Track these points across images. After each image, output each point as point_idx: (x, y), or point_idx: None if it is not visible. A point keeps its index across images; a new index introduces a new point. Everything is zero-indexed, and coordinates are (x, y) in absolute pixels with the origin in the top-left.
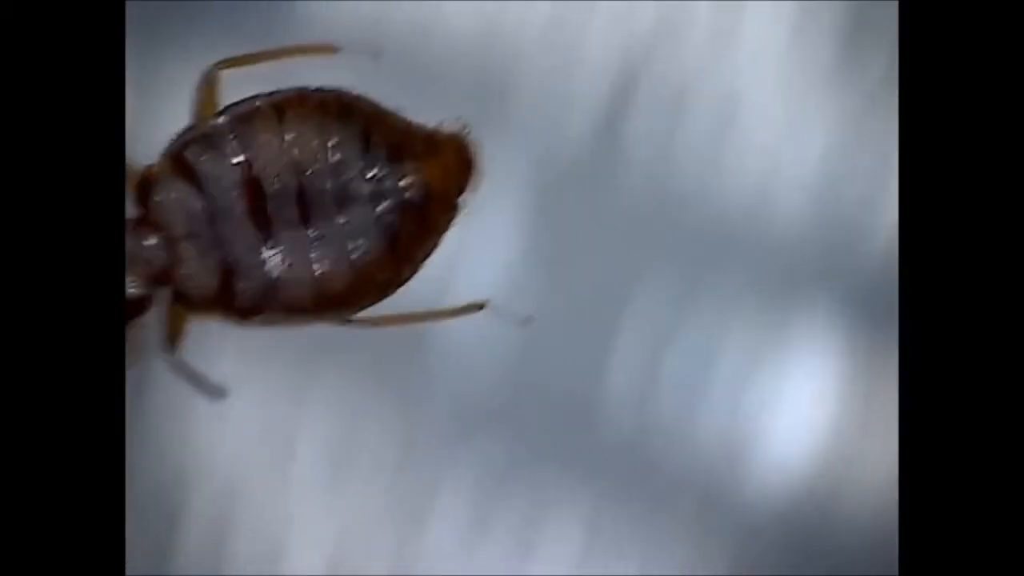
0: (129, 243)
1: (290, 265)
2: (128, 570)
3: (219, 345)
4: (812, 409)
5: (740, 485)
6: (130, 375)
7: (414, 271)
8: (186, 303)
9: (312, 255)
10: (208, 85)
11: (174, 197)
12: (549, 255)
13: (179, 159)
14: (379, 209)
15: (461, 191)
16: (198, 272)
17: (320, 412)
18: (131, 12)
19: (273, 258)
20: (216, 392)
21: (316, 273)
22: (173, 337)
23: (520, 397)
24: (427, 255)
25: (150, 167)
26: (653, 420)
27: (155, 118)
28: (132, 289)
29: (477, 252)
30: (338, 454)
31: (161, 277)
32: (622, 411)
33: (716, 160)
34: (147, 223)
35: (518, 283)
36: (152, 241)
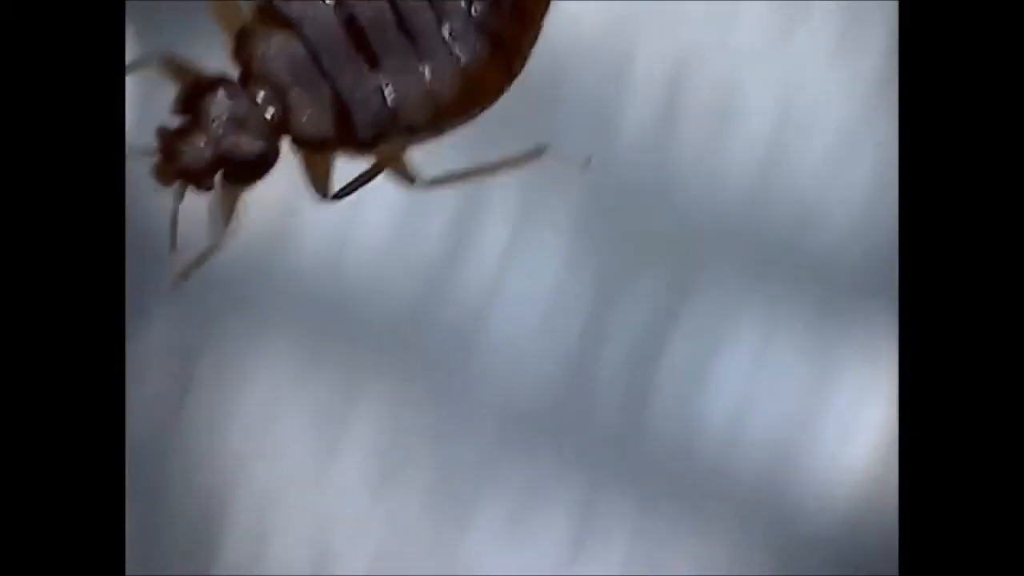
0: (239, 103)
1: (402, 86)
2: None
3: (270, 350)
4: (861, 412)
5: (794, 490)
6: (171, 380)
7: (523, 64)
8: (308, 148)
9: (421, 71)
10: None
11: (274, 47)
12: (598, 262)
13: (270, 10)
14: (476, 11)
15: None
16: (314, 114)
17: (364, 415)
18: (131, 12)
19: (384, 83)
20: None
21: (428, 87)
22: (319, 186)
23: (567, 401)
24: (531, 45)
25: (243, 26)
26: (701, 426)
27: (155, 116)
28: (254, 147)
29: (524, 259)
30: (381, 458)
31: (278, 129)
32: (669, 417)
33: (767, 169)
34: (252, 80)
35: (566, 290)
36: (262, 95)
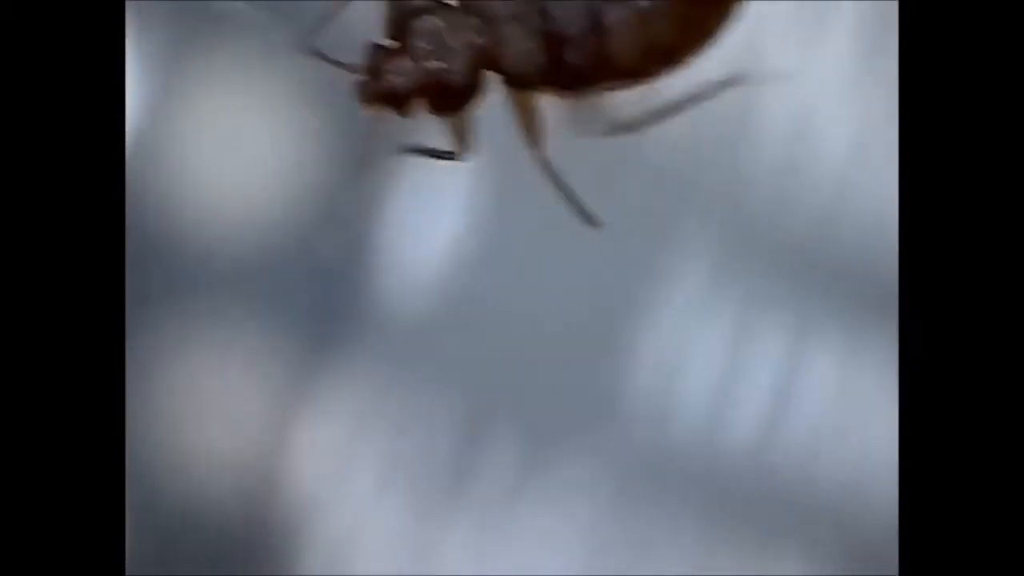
0: (449, 31)
1: (622, 16)
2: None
3: (272, 350)
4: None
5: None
6: (171, 378)
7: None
8: (514, 83)
9: (637, 7)
10: None
11: None
12: (624, 266)
13: None
14: None
15: None
16: (523, 48)
17: (387, 425)
18: (131, 12)
19: (600, 20)
20: (591, 220)
21: (649, 18)
22: (530, 129)
23: (606, 415)
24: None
25: None
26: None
27: (155, 118)
28: (459, 76)
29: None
30: (406, 467)
31: (486, 60)
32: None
33: (787, 182)
34: (466, 8)
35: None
36: (474, 24)
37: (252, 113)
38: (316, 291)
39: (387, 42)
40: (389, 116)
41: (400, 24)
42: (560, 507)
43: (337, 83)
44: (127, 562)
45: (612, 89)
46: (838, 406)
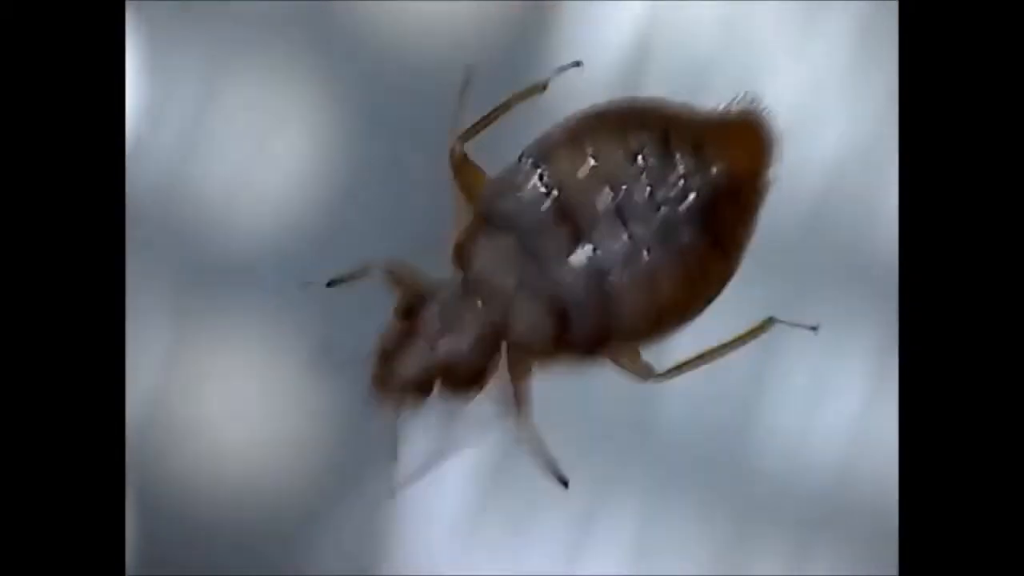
0: (459, 311)
1: (625, 283)
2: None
3: (274, 349)
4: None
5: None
6: (172, 378)
7: (741, 256)
8: (527, 354)
9: (643, 267)
10: (461, 162)
11: (496, 252)
12: None
13: (490, 217)
14: (695, 204)
15: (766, 165)
16: (534, 319)
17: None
18: (131, 12)
19: (605, 283)
20: (562, 479)
21: (652, 283)
22: (520, 392)
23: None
24: (750, 236)
25: (460, 234)
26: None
27: (155, 118)
28: (473, 355)
29: None
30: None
31: (498, 336)
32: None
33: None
34: (472, 286)
35: None
36: (480, 304)
37: (252, 112)
38: (320, 290)
39: (398, 328)
40: (409, 401)
41: (409, 309)
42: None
43: (338, 81)
44: (127, 562)
45: (620, 351)
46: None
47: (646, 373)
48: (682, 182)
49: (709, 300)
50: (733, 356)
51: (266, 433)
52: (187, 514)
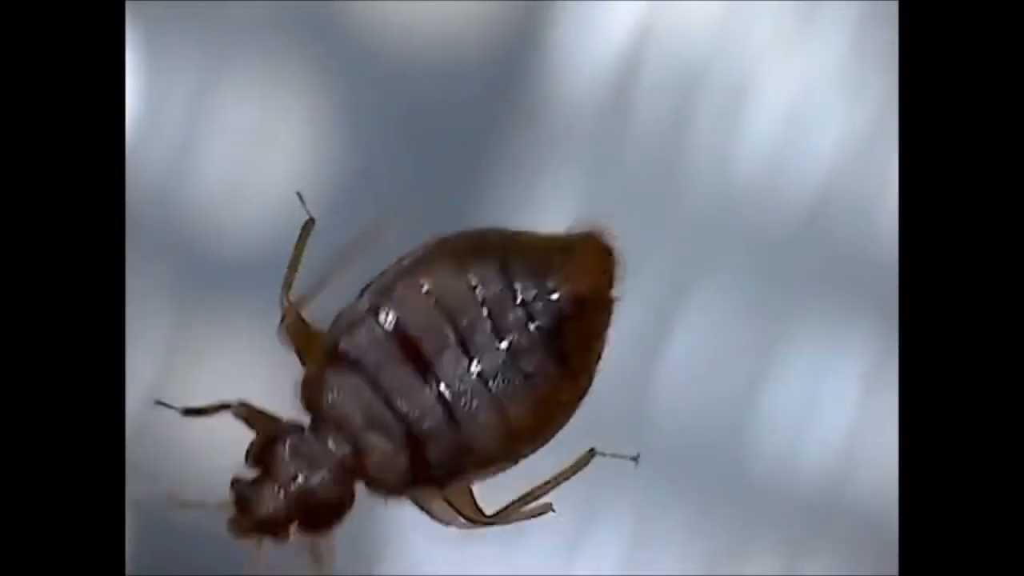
0: (311, 451)
1: (474, 413)
2: None
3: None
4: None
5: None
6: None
7: (591, 378)
8: (383, 490)
9: (490, 397)
10: (294, 319)
11: (345, 391)
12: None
13: (334, 354)
14: (538, 330)
15: (611, 285)
16: (387, 455)
17: None
18: (131, 12)
19: (455, 412)
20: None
21: (500, 413)
22: (319, 552)
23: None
24: (599, 358)
25: (304, 375)
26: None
27: (156, 120)
28: (329, 493)
29: None
30: None
31: (352, 472)
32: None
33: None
34: (323, 425)
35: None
36: (332, 442)
37: (251, 112)
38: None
39: (252, 472)
40: (265, 544)
41: (262, 451)
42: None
43: (337, 81)
44: (127, 563)
45: (477, 476)
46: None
47: (479, 518)
48: (524, 310)
49: (563, 422)
50: (733, 356)
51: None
52: (187, 514)
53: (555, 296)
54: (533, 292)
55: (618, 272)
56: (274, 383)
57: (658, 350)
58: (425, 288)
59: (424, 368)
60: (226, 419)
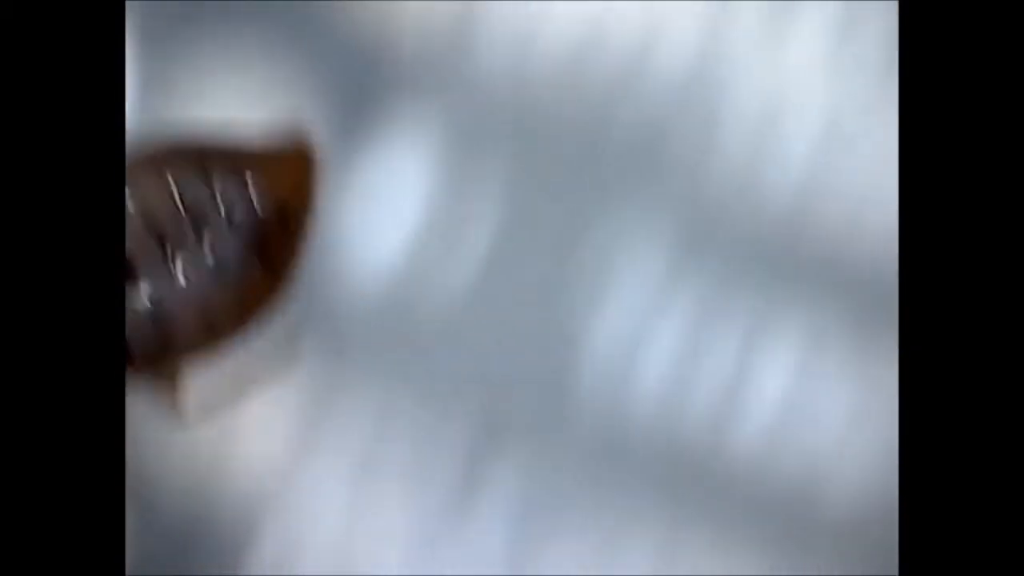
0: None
1: (170, 305)
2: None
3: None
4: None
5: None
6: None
7: (291, 279)
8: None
9: (195, 296)
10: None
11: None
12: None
13: None
14: (239, 232)
15: (311, 189)
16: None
17: (399, 435)
18: (131, 12)
19: (151, 303)
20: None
21: (197, 304)
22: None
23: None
24: (298, 261)
25: None
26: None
27: (156, 116)
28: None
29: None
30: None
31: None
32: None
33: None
34: None
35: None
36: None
37: (250, 110)
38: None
39: None
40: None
41: None
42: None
43: (333, 80)
44: (127, 563)
45: (179, 367)
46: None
47: (184, 415)
48: (225, 212)
49: (263, 319)
50: (714, 351)
51: (266, 433)
52: (187, 514)
53: (256, 198)
54: (235, 195)
55: (318, 175)
56: (275, 385)
57: (644, 344)
58: (131, 190)
59: (135, 273)
60: (226, 418)
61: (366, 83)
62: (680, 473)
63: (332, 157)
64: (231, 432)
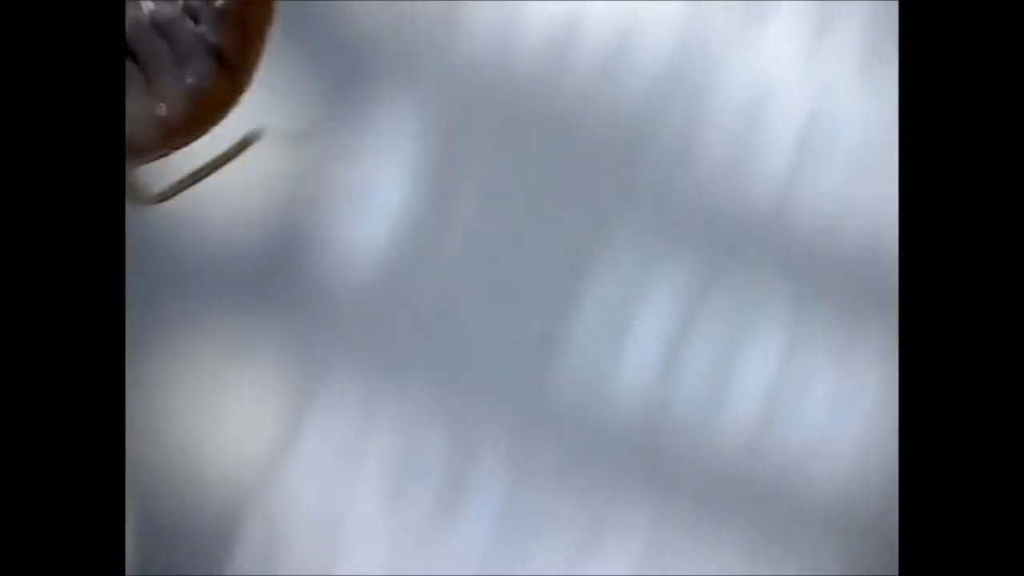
0: None
1: (129, 112)
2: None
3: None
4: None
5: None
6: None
7: (249, 80)
8: None
9: (149, 95)
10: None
11: None
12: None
13: None
14: (198, 27)
15: None
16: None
17: (382, 431)
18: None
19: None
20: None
21: (157, 111)
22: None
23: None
24: (257, 59)
25: None
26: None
27: None
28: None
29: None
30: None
31: None
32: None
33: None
34: None
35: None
36: None
37: (248, 110)
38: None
39: None
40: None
41: None
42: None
43: (328, 79)
44: (127, 563)
45: (141, 163)
46: (836, 405)
47: (146, 194)
48: (186, 10)
49: (219, 117)
50: (750, 363)
51: (266, 434)
52: (187, 514)
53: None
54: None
55: None
56: (274, 385)
57: (628, 330)
58: None
59: None
60: (226, 420)
61: (353, 72)
62: (664, 468)
63: (318, 147)
64: (216, 425)
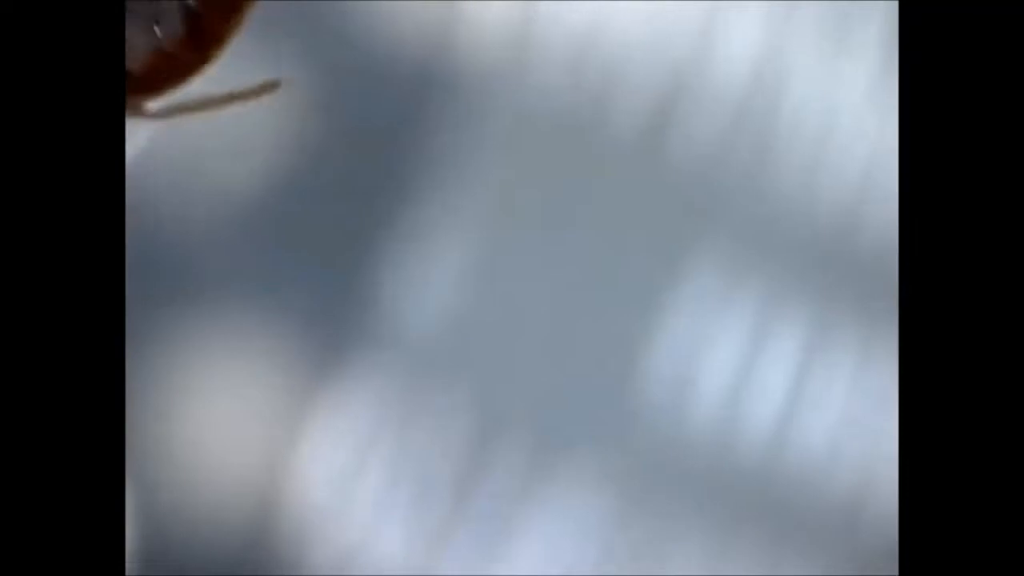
0: None
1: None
2: None
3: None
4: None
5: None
6: (172, 379)
7: (220, 51)
8: None
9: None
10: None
11: None
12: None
13: None
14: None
15: None
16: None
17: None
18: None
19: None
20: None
21: (150, 43)
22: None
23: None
24: (232, 33)
25: None
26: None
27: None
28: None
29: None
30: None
31: None
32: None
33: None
34: None
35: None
36: None
37: (248, 110)
38: (322, 298)
39: None
40: None
41: None
42: (570, 509)
43: (328, 79)
44: (127, 563)
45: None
46: (852, 408)
47: (144, 108)
48: None
49: (174, 87)
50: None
51: (266, 434)
52: (187, 514)
53: None
54: None
55: None
56: (274, 385)
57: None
58: None
59: None
60: (225, 419)
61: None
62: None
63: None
64: (221, 426)
